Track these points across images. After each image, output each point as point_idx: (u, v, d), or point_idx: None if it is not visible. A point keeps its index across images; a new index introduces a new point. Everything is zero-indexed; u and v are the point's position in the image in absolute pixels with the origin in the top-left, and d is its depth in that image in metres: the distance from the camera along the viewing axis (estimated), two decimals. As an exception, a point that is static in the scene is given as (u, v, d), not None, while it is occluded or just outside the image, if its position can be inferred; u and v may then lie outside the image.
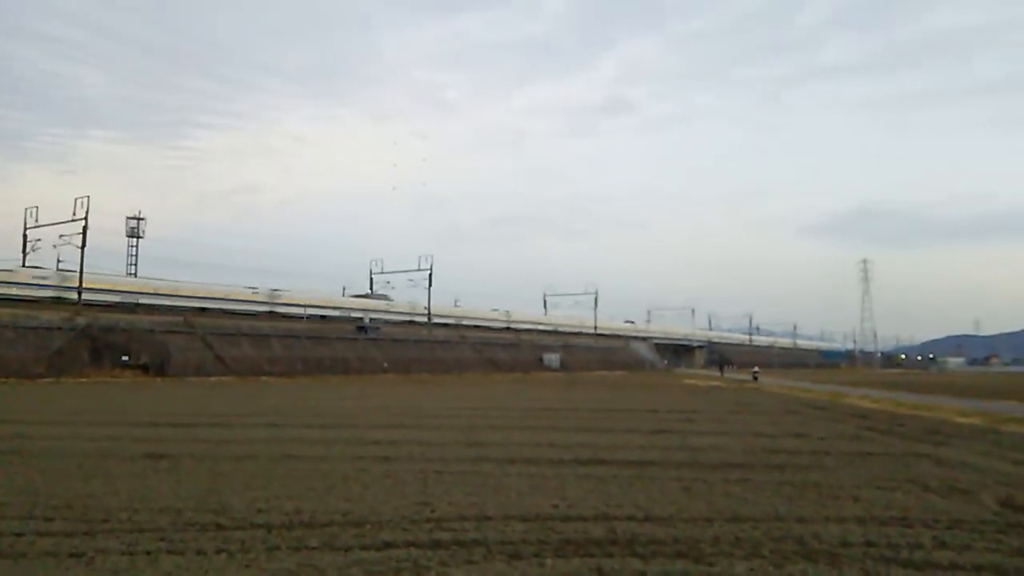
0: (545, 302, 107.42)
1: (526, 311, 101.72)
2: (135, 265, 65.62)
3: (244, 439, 14.94)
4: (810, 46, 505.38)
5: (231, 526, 7.34)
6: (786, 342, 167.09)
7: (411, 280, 76.04)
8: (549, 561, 6.18)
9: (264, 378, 49.44)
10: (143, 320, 52.38)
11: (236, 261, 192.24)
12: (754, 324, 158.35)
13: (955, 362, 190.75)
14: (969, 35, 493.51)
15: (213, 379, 46.85)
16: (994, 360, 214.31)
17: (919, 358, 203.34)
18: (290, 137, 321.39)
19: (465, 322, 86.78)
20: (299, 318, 66.60)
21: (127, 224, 65.90)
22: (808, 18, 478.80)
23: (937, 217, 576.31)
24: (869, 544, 6.84)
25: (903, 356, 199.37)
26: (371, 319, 71.34)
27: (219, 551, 6.41)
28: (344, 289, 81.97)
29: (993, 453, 13.77)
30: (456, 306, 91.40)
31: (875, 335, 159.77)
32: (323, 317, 69.35)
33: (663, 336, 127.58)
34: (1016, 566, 6.15)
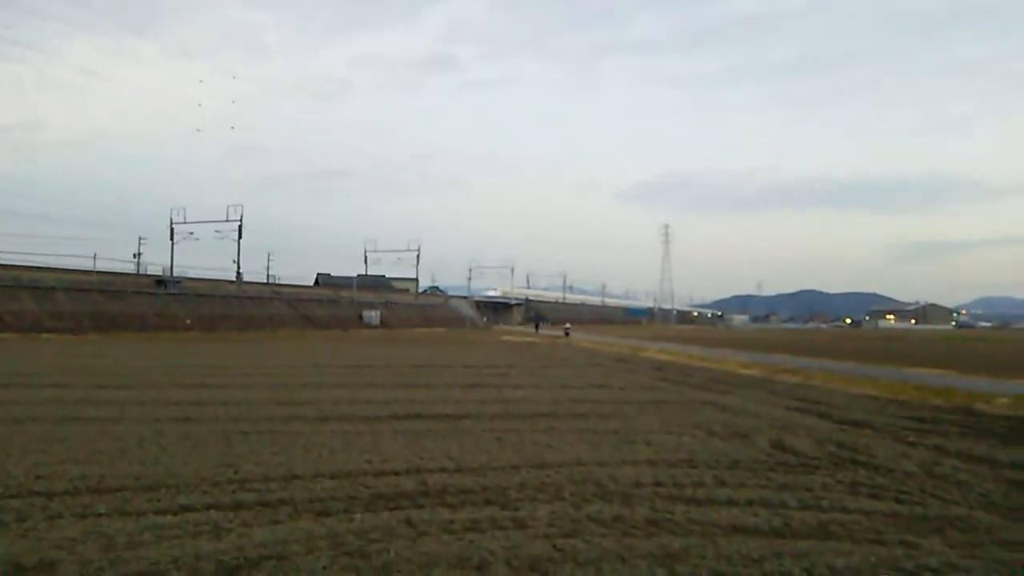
0: (366, 258, 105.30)
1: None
2: None
3: (22, 400, 13.50)
4: (624, 19, 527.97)
5: (5, 494, 6.63)
6: (595, 300, 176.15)
7: (218, 232, 70.84)
8: (359, 516, 6.14)
9: (47, 335, 44.67)
10: None
11: (17, 205, 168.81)
12: (568, 283, 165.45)
13: (740, 319, 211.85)
14: (763, 21, 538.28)
15: (-16, 336, 41.65)
16: (773, 318, 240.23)
17: (709, 315, 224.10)
18: (80, 70, 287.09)
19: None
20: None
21: None
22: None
23: (731, 187, 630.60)
24: (658, 484, 7.45)
25: (696, 313, 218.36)
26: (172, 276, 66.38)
27: (-12, 522, 5.77)
28: (140, 240, 74.26)
29: (768, 400, 15.46)
30: (270, 261, 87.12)
31: (672, 294, 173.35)
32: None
33: (483, 294, 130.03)
34: (781, 499, 6.97)
